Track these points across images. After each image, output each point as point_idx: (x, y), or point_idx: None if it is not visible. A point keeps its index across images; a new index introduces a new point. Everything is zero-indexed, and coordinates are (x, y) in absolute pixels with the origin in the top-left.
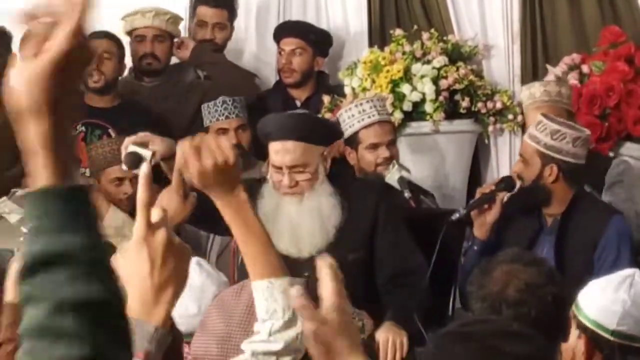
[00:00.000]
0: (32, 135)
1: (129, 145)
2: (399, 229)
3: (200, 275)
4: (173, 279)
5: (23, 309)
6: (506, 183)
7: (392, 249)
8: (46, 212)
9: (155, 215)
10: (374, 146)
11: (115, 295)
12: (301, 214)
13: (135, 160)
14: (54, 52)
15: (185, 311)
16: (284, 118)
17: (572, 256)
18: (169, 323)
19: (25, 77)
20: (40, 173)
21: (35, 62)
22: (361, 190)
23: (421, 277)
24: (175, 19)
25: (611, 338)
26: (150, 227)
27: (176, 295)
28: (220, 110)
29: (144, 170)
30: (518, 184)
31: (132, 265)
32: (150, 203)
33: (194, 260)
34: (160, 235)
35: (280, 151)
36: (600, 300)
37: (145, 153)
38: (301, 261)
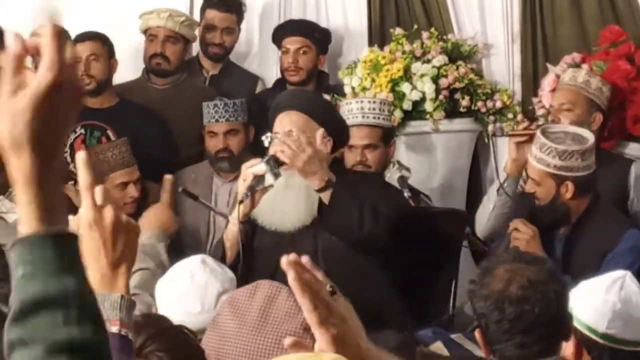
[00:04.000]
0: (16, 173)
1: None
2: (371, 189)
3: (203, 273)
4: (126, 254)
5: (11, 354)
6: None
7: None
8: (37, 258)
9: (99, 195)
10: (350, 148)
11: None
12: (289, 187)
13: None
14: (34, 87)
15: (189, 310)
16: (295, 92)
17: (581, 264)
18: (129, 291)
19: (5, 113)
20: (27, 215)
21: (16, 99)
22: (357, 181)
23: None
24: (191, 23)
25: (600, 341)
26: (97, 209)
27: (130, 267)
28: (211, 113)
29: (81, 156)
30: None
31: (86, 246)
32: (92, 184)
33: (198, 258)
34: (108, 215)
35: (283, 119)
36: (590, 303)
37: None
38: (284, 234)
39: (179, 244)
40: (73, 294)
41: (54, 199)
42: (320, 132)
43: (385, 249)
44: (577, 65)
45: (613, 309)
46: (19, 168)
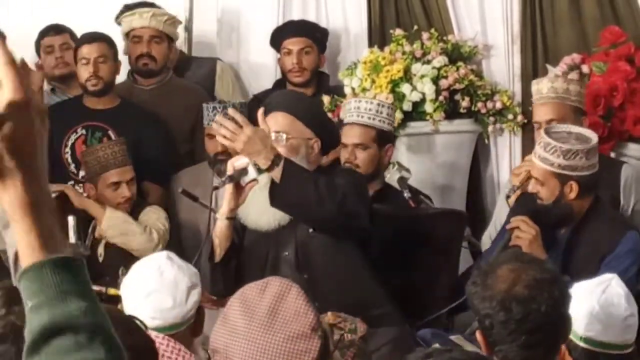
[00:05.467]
0: (9, 204)
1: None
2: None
3: (172, 269)
4: None
5: None
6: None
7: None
8: (42, 287)
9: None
10: (344, 145)
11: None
12: (267, 187)
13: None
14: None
15: (161, 305)
16: (283, 93)
17: (580, 266)
18: None
19: None
20: (29, 244)
21: None
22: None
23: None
24: (174, 21)
25: (580, 343)
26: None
27: None
28: (210, 116)
29: None
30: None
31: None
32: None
33: (163, 254)
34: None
35: (270, 120)
36: (573, 305)
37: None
38: (267, 232)
39: (179, 245)
40: (80, 317)
41: (52, 224)
42: (260, 111)
43: (362, 236)
44: (577, 67)
45: (591, 312)
46: (13, 197)
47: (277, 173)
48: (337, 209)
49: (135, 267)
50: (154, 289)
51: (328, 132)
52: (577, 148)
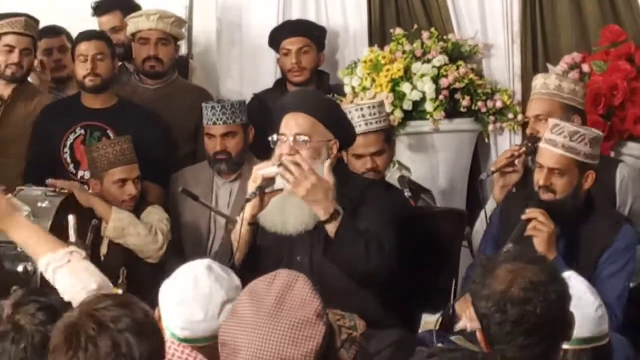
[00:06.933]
0: None
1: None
2: (378, 213)
3: (208, 279)
4: None
5: None
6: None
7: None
8: None
9: None
10: (358, 156)
11: None
12: (292, 192)
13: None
14: None
15: (191, 317)
16: (302, 93)
17: (580, 260)
18: None
19: None
20: None
21: None
22: (357, 183)
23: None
24: (179, 22)
25: (563, 345)
26: None
27: None
28: (209, 115)
29: None
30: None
31: None
32: None
33: (204, 263)
34: None
35: (289, 120)
36: None
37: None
38: (284, 237)
39: (180, 244)
40: None
41: None
42: (327, 163)
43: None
44: (577, 66)
45: None
46: None
47: (332, 227)
48: (382, 268)
49: (175, 273)
50: (187, 298)
51: (345, 132)
52: (599, 137)
